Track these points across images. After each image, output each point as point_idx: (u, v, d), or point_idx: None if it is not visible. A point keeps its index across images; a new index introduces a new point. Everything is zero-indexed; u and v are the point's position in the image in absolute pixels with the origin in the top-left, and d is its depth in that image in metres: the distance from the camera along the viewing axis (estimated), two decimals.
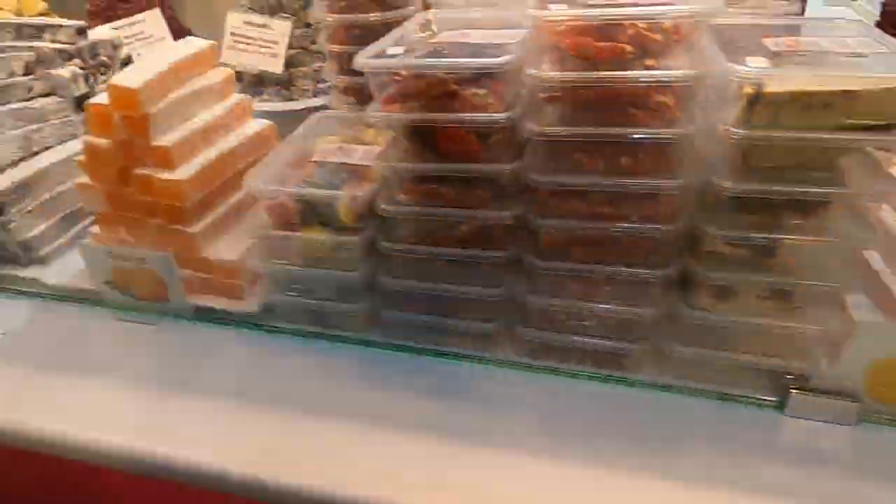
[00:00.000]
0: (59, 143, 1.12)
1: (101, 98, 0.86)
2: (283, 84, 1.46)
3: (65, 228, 1.09)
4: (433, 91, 0.67)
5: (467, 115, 0.67)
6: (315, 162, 0.87)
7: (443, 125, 0.68)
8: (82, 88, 1.16)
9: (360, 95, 1.02)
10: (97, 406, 0.83)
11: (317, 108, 1.53)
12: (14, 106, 1.06)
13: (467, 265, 0.78)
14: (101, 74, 1.22)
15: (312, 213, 0.82)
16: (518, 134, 0.69)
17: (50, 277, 1.01)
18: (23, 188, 1.01)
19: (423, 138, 0.70)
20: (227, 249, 0.95)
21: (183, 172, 0.88)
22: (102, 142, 0.87)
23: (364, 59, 0.75)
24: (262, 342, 0.91)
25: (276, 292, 0.89)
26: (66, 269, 1.02)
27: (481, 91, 0.68)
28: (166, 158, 0.87)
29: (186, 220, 0.91)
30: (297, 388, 0.83)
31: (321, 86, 1.49)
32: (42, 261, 1.05)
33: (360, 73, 1.02)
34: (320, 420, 0.79)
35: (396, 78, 0.72)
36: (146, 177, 0.87)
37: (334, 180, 0.84)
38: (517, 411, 0.79)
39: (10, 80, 1.07)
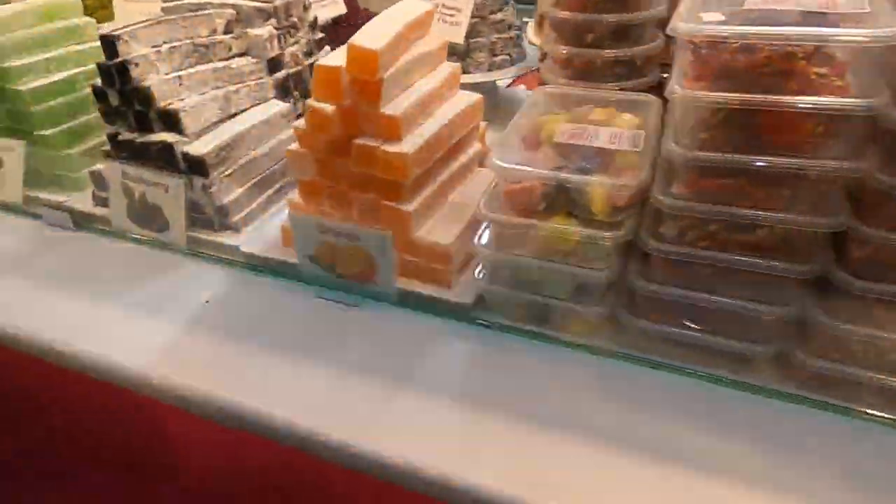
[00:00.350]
0: (252, 106, 1.08)
1: (333, 59, 0.80)
2: (459, 55, 1.37)
3: (254, 196, 1.05)
4: (771, 67, 0.55)
5: (824, 99, 0.55)
6: (558, 144, 0.78)
7: (776, 109, 0.56)
8: (275, 49, 1.12)
9: (587, 70, 0.92)
10: (295, 387, 0.77)
11: (491, 84, 1.46)
12: (217, 65, 1.03)
13: (750, 276, 0.66)
14: (290, 36, 1.17)
15: (562, 201, 0.73)
16: (873, 127, 0.56)
17: (243, 245, 0.98)
18: (225, 150, 0.98)
19: (743, 123, 0.59)
20: (438, 232, 0.87)
21: (408, 145, 0.81)
22: (327, 107, 0.80)
23: (693, 25, 0.62)
24: (472, 336, 0.83)
25: (496, 283, 0.81)
26: (258, 238, 0.98)
27: (822, 70, 0.56)
28: (394, 129, 0.80)
29: (403, 197, 0.84)
30: (522, 394, 0.75)
31: (496, 59, 1.40)
32: (234, 227, 1.01)
33: (586, 45, 0.93)
34: (556, 435, 0.70)
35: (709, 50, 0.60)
36: (369, 148, 0.81)
37: (585, 165, 0.74)
38: (800, 454, 0.67)
39: (213, 38, 1.03)
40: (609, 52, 0.89)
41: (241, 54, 1.09)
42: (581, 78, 0.93)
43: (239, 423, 0.75)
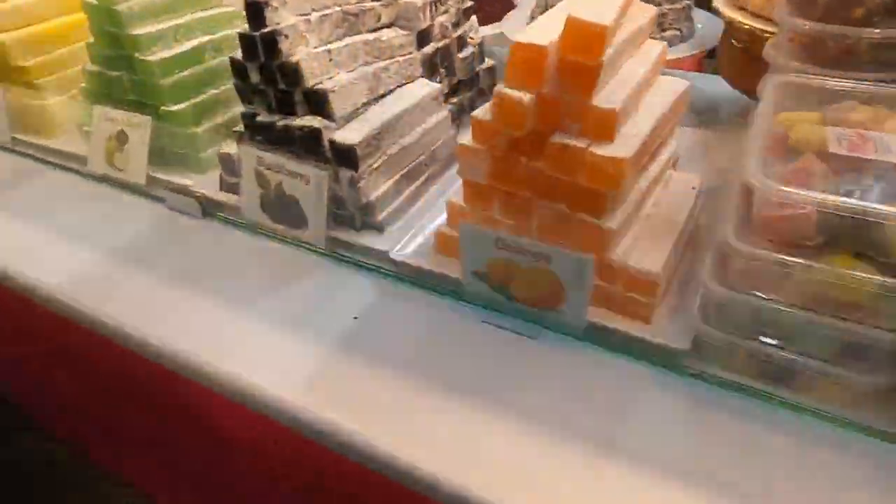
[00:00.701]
0: (399, 86, 0.94)
1: (534, 37, 0.64)
2: None
3: (401, 190, 0.92)
4: None
5: None
6: (832, 155, 0.59)
7: None
8: (427, 19, 0.97)
9: (843, 54, 0.72)
10: (469, 444, 0.63)
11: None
12: (367, 37, 0.89)
13: None
14: (440, 4, 1.02)
15: (848, 236, 0.55)
16: None
17: (393, 251, 0.85)
18: (376, 139, 0.85)
19: None
20: (638, 254, 0.71)
21: (623, 147, 0.65)
22: (523, 96, 0.65)
23: None
24: (681, 388, 0.67)
25: (721, 326, 0.65)
26: (407, 242, 0.85)
27: None
28: (607, 126, 0.64)
29: (604, 211, 0.68)
30: (754, 476, 0.58)
31: (665, 34, 1.19)
32: (378, 226, 0.88)
33: (852, 21, 0.73)
34: None
35: None
36: (573, 149, 0.65)
37: (886, 188, 0.56)
38: None
39: (363, 5, 0.89)
40: (881, 33, 0.69)
41: (388, 25, 0.95)
42: (832, 65, 0.73)
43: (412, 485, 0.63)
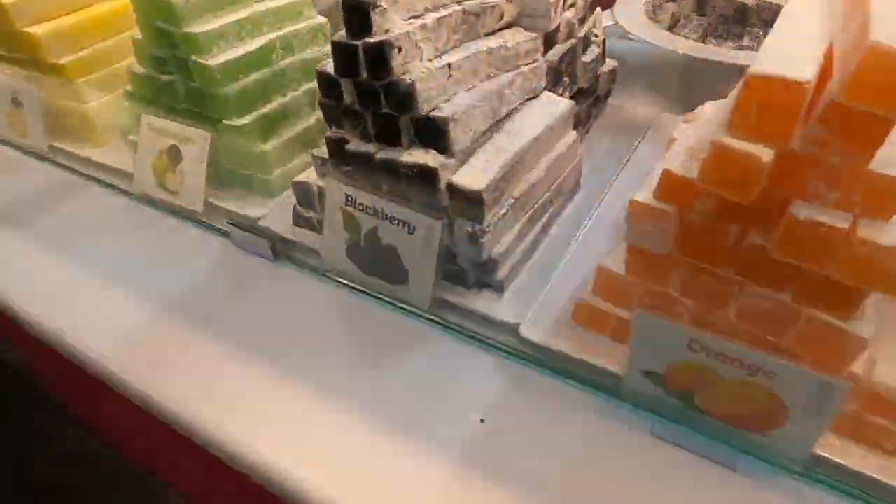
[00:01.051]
0: (521, 105, 0.75)
1: (786, 68, 0.44)
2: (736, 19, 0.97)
3: (522, 238, 0.74)
4: None
5: None
6: None
7: None
8: (557, 16, 0.77)
9: None
10: None
11: None
12: (490, 43, 0.69)
13: None
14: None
15: None
16: None
17: (511, 317, 0.67)
18: (504, 180, 0.66)
19: None
20: (890, 368, 0.52)
21: None
22: (760, 151, 0.46)
23: None
24: None
25: None
26: (535, 310, 0.66)
27: None
28: (888, 202, 0.45)
29: (854, 312, 0.49)
30: None
31: None
32: (496, 286, 0.71)
33: None
34: None
35: None
36: (831, 229, 0.45)
37: None
38: None
39: (488, 1, 0.70)
40: None
41: (508, 25, 0.75)
42: None
43: None
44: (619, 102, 1.05)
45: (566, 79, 0.82)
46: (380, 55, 0.58)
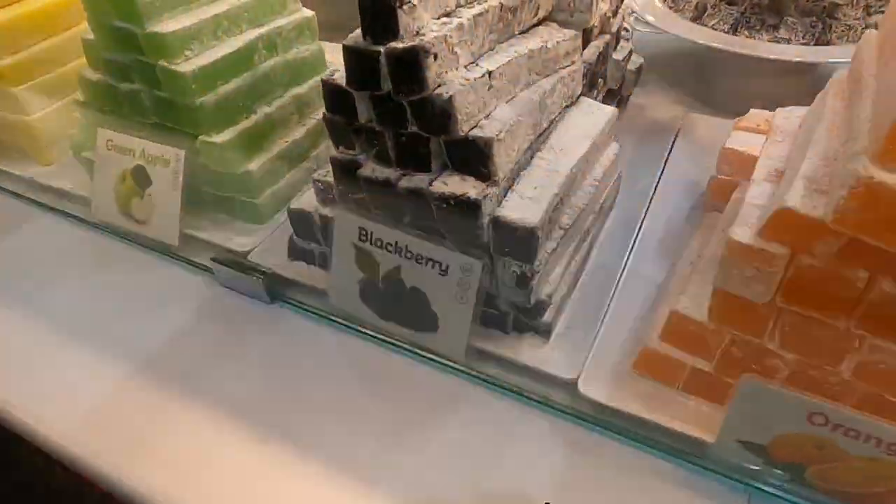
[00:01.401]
0: (559, 115, 0.65)
1: None
2: (817, 14, 0.87)
3: (566, 271, 0.64)
4: None
5: None
6: None
7: None
8: (598, 9, 0.67)
9: None
10: None
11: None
12: (531, 44, 0.58)
13: None
14: None
15: None
16: None
17: (564, 371, 0.57)
18: (556, 211, 0.56)
19: None
20: None
21: None
22: None
23: None
24: None
25: None
26: (583, 357, 0.56)
27: None
28: None
29: None
30: None
31: (872, 19, 0.90)
32: (542, 330, 0.60)
33: None
34: None
35: None
36: None
37: None
38: None
39: None
40: None
41: (541, 21, 0.65)
42: None
43: None
44: (640, 101, 0.96)
45: (600, 80, 0.72)
46: (411, 64, 0.46)
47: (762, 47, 0.85)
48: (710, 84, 0.96)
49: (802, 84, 0.84)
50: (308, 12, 0.82)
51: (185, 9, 0.70)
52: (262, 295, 0.68)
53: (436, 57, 0.47)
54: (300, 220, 0.66)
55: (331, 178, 0.63)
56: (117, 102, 0.75)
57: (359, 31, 0.51)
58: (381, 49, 0.48)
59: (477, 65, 0.52)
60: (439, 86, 0.49)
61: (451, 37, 0.48)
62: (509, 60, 0.53)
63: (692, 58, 1.02)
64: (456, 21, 0.49)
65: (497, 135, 0.51)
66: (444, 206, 0.53)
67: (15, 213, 0.84)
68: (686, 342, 0.54)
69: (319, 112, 0.83)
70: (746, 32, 0.86)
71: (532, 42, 0.57)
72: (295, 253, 0.69)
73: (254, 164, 0.73)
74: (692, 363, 0.54)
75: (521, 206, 0.52)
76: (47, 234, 0.81)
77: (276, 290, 0.68)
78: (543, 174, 0.56)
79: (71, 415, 0.59)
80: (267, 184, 0.75)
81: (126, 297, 0.71)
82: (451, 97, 0.48)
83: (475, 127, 0.51)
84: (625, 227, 0.71)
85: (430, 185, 0.53)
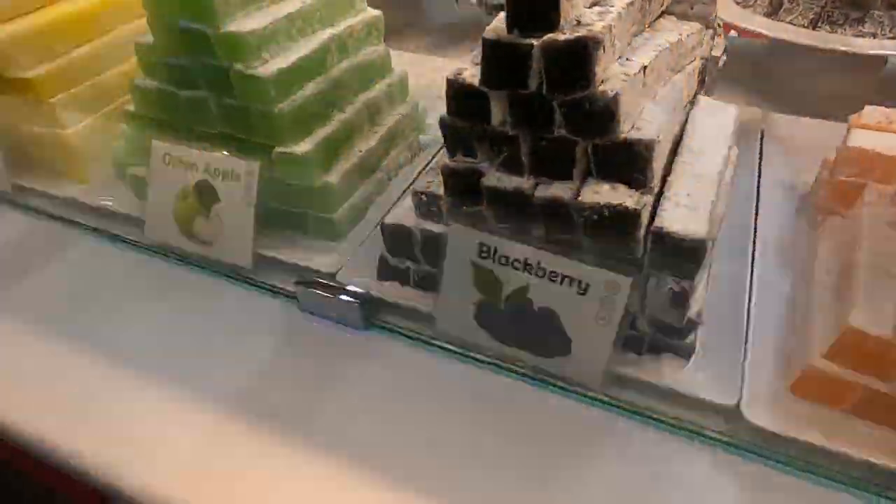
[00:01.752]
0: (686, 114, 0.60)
1: None
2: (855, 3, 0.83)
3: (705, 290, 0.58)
4: None
5: None
6: None
7: None
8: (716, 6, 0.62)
9: None
10: None
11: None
12: (669, 37, 0.52)
13: None
14: None
15: None
16: None
17: (726, 397, 0.49)
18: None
19: None
20: None
21: None
22: None
23: None
24: None
25: None
26: (735, 379, 0.50)
27: None
28: None
29: None
30: None
31: None
32: (684, 352, 0.54)
33: None
34: None
35: None
36: None
37: None
38: None
39: None
40: None
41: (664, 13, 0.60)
42: None
43: None
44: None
45: (707, 79, 0.67)
46: (578, 58, 0.41)
47: (865, 44, 0.81)
48: (780, 83, 0.93)
49: (870, 83, 0.81)
50: (375, 11, 0.76)
51: (258, 7, 0.63)
52: (357, 320, 0.61)
53: (604, 49, 0.42)
54: (397, 237, 0.60)
55: (435, 190, 0.57)
56: (177, 112, 0.68)
57: (497, 23, 0.45)
58: (535, 42, 0.43)
59: (628, 59, 0.47)
60: (602, 82, 0.43)
61: (614, 27, 0.43)
62: (657, 55, 0.48)
63: (751, 56, 0.99)
64: (614, 9, 0.44)
65: (657, 137, 0.46)
66: (595, 217, 0.47)
67: (53, 236, 0.76)
68: (861, 361, 0.49)
69: (389, 118, 0.78)
70: (828, 27, 0.82)
71: (670, 35, 0.52)
72: (386, 273, 0.63)
73: (332, 177, 0.66)
74: (866, 383, 0.50)
75: (684, 215, 0.47)
76: (94, 258, 0.73)
77: (370, 313, 0.62)
78: (690, 179, 0.51)
79: (160, 468, 0.52)
80: (343, 197, 0.69)
81: (196, 329, 0.64)
82: (615, 95, 0.42)
83: (632, 128, 0.46)
84: (737, 233, 0.66)
85: (578, 195, 0.48)
